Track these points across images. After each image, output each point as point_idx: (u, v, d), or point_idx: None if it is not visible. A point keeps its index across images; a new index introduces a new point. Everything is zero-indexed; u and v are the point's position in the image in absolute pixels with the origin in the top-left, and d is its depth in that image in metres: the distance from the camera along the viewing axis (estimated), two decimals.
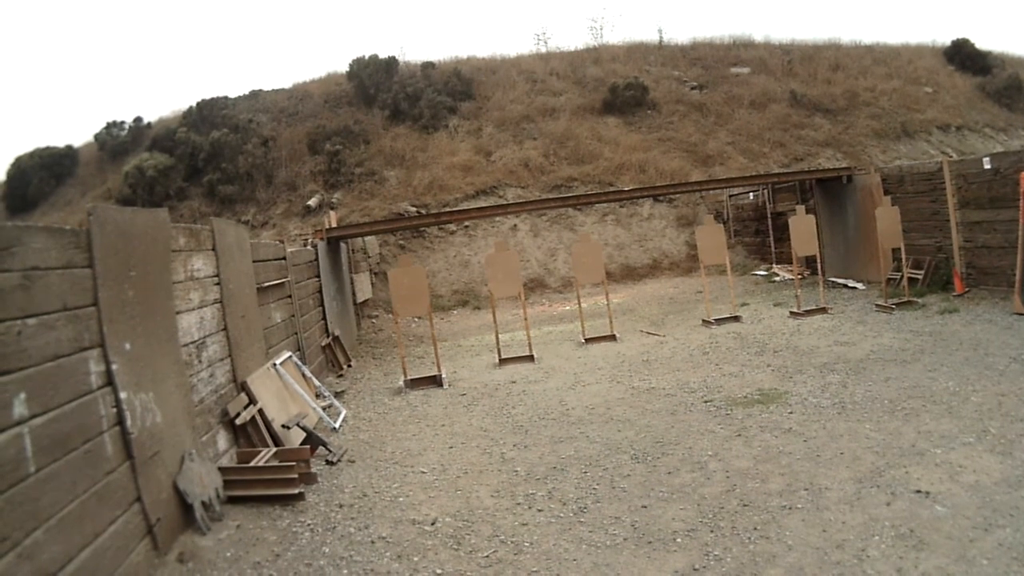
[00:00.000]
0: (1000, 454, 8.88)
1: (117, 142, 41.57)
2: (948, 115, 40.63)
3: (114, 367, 7.52)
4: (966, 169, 18.94)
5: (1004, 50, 52.94)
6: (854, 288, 22.40)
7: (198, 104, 39.93)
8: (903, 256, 19.83)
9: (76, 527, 6.44)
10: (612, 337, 18.96)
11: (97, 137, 42.71)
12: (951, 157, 26.71)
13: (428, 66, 41.94)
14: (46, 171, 40.60)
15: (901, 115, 39.53)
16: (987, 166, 17.98)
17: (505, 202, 30.86)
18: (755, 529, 7.78)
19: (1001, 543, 6.84)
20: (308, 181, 34.27)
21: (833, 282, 23.22)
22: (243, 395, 11.41)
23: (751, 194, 31.93)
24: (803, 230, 19.47)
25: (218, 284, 11.35)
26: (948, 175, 19.24)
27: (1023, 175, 15.90)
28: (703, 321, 19.80)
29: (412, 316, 20.40)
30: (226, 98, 41.17)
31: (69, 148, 42.74)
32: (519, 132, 36.83)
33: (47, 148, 41.95)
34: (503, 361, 17.71)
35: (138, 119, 42.71)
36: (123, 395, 7.60)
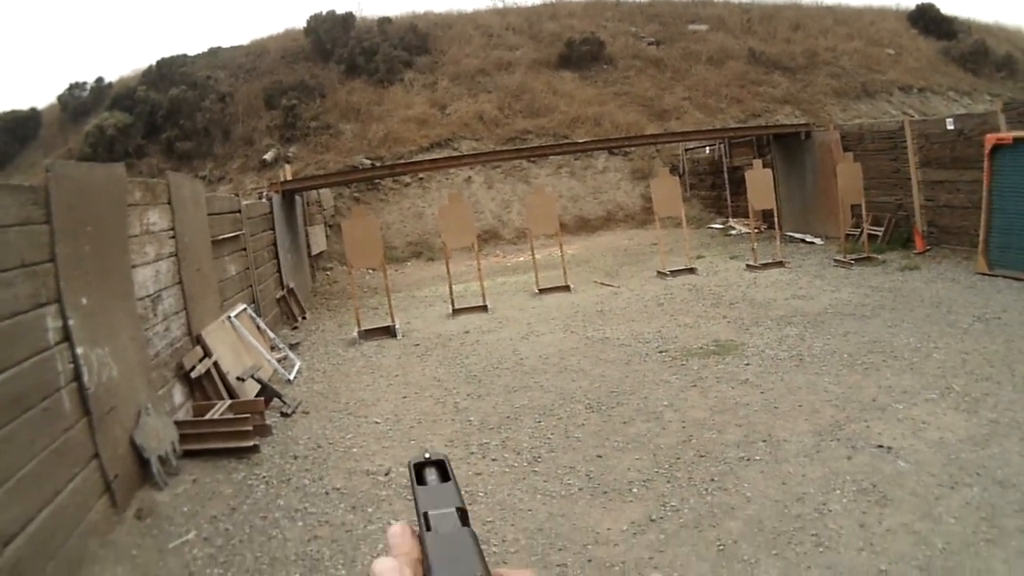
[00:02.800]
0: (965, 412, 8.77)
1: (79, 103, 41.01)
2: (910, 77, 40.51)
3: (71, 322, 7.44)
4: (928, 129, 18.84)
5: (970, 16, 53.02)
6: (812, 243, 22.34)
7: (158, 63, 39.61)
8: (864, 212, 19.76)
9: (35, 487, 6.34)
10: (566, 287, 18.79)
11: (60, 99, 42.07)
12: (913, 117, 26.60)
13: (385, 21, 41.48)
14: (9, 134, 39.89)
15: (862, 75, 39.36)
16: (950, 127, 17.88)
17: (459, 154, 30.57)
18: (712, 480, 7.69)
19: (968, 502, 6.72)
20: (264, 136, 34.01)
21: (790, 237, 23.08)
22: (198, 348, 11.41)
23: (707, 148, 31.76)
24: (760, 184, 19.42)
25: (173, 238, 11.31)
26: (910, 134, 19.10)
27: (988, 137, 15.72)
28: (658, 272, 19.70)
29: (366, 267, 20.09)
30: (185, 56, 40.79)
31: (33, 111, 42.08)
32: (474, 86, 36.55)
33: (11, 112, 41.38)
34: (456, 311, 17.56)
35: (99, 79, 42.14)
36: (80, 350, 7.51)
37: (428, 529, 0.75)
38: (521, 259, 25.12)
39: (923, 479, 7.20)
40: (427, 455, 0.87)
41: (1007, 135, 15.38)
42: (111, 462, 7.71)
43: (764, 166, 20.62)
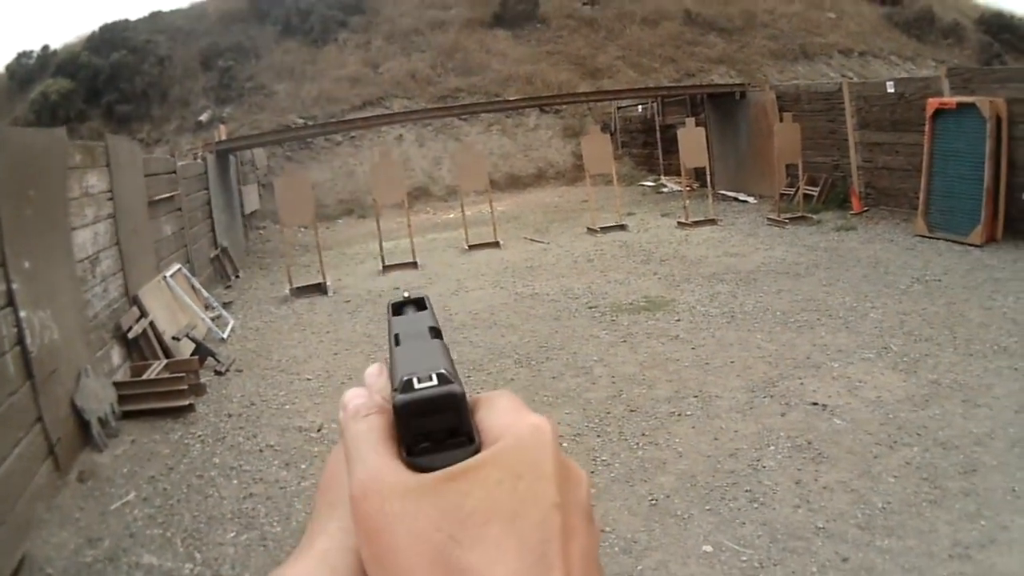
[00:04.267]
0: (903, 372, 8.68)
1: (26, 71, 41.00)
2: (851, 41, 40.36)
3: (14, 286, 7.53)
4: (867, 91, 18.81)
5: None
6: (745, 201, 22.28)
7: (101, 28, 39.52)
8: (800, 172, 19.67)
9: None
10: (496, 244, 18.74)
11: (8, 68, 42.19)
12: (852, 80, 26.54)
13: None
14: None
15: (800, 38, 39.27)
16: (890, 90, 17.84)
17: (391, 112, 30.59)
18: (643, 435, 7.62)
19: (908, 461, 6.62)
20: (200, 97, 34.21)
21: (723, 195, 23.02)
22: (135, 308, 11.49)
23: (640, 107, 31.76)
24: (692, 142, 19.35)
25: (111, 199, 11.44)
26: (848, 96, 19.06)
27: (931, 101, 15.73)
28: (588, 229, 19.60)
29: (297, 225, 19.97)
30: (127, 21, 40.61)
31: None
32: (408, 45, 36.61)
33: None
34: (387, 268, 17.52)
35: (45, 47, 41.97)
36: (23, 313, 7.61)
37: (397, 345, 0.70)
38: (451, 216, 25.05)
39: (860, 438, 7.12)
40: (406, 294, 0.84)
41: (951, 100, 15.39)
42: (53, 425, 7.79)
43: (697, 125, 20.48)
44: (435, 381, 0.58)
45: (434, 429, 0.58)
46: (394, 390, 0.60)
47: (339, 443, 0.64)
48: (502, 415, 0.62)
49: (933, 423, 7.29)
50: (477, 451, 0.58)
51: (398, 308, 0.81)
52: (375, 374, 0.70)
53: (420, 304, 0.81)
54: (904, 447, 6.86)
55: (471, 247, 18.75)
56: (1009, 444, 6.83)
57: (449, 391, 0.58)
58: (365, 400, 0.64)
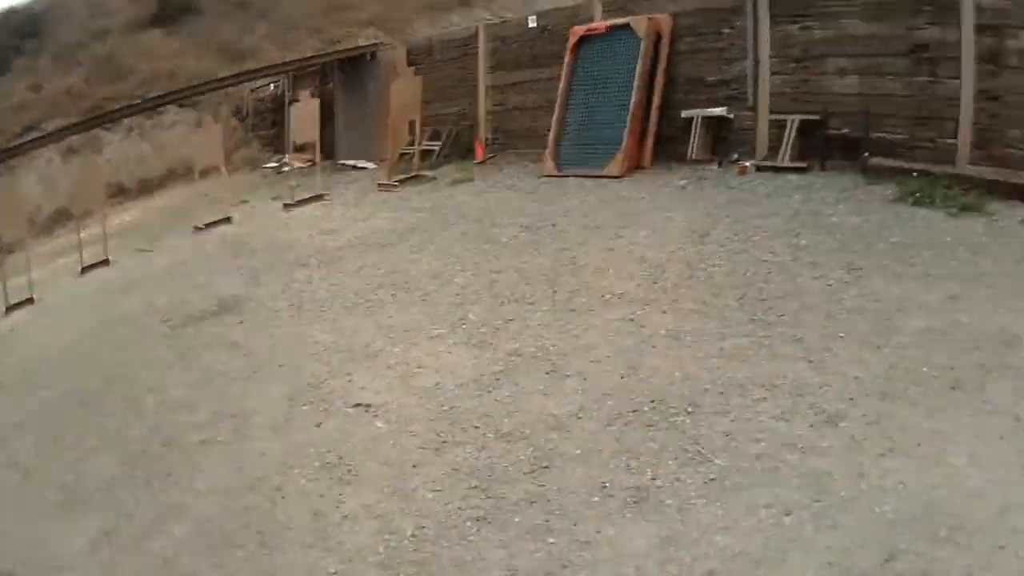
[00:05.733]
0: (477, 346, 7.98)
1: None
2: None
3: None
4: (507, 31, 18.42)
5: None
6: (364, 168, 21.64)
7: None
8: (418, 128, 19.08)
9: None
10: (106, 262, 18.11)
11: None
12: (504, 20, 26.12)
13: (11, 12, 40.69)
14: None
15: None
16: (532, 24, 17.54)
17: (19, 143, 29.52)
18: (168, 475, 6.91)
19: (456, 467, 5.90)
20: None
21: (342, 165, 22.59)
22: None
23: (271, 85, 31.52)
24: (305, 116, 19.06)
25: None
26: (482, 38, 18.68)
27: (574, 29, 15.45)
28: (195, 228, 18.88)
29: None
30: None
31: None
32: (70, 60, 35.60)
33: None
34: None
35: None
36: None
37: None
38: (84, 235, 23.49)
39: (401, 442, 6.40)
40: None
41: (599, 24, 15.15)
42: None
43: (321, 96, 20.55)
44: None
45: None
46: None
47: None
48: None
49: (499, 409, 6.57)
50: None
51: None
52: None
53: None
54: (455, 447, 6.14)
55: (84, 270, 17.95)
56: (602, 423, 6.10)
57: None
58: None
